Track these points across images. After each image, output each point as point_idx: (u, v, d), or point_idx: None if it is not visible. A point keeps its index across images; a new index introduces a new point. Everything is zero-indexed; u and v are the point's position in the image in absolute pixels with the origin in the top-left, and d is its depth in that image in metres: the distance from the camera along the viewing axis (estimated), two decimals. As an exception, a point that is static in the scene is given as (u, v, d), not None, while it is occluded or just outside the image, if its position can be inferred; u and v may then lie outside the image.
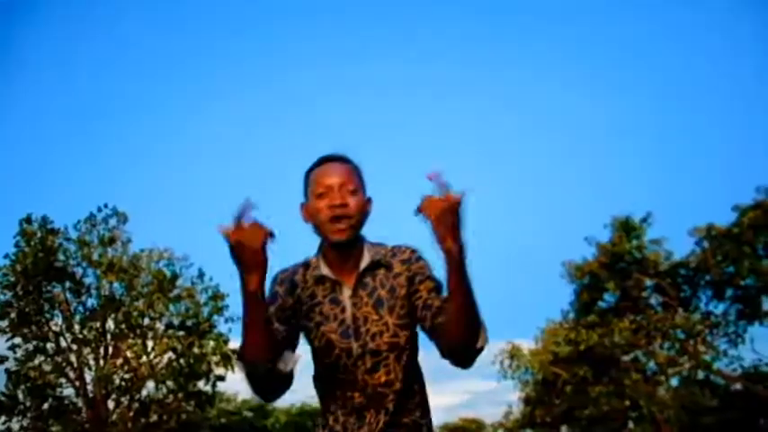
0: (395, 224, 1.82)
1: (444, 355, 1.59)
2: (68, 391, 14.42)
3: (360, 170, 1.73)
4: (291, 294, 1.68)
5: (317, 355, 1.68)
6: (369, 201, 1.72)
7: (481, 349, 1.55)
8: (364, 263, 1.67)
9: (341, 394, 1.66)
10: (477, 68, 48.31)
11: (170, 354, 15.22)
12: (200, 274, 15.90)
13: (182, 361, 15.22)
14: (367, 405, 1.63)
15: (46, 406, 13.95)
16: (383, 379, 1.63)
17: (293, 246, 1.85)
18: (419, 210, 1.47)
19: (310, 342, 1.68)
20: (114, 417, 14.50)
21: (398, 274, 1.68)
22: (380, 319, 1.64)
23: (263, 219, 1.43)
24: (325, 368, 1.67)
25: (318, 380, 1.72)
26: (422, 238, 1.75)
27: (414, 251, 1.72)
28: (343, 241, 1.63)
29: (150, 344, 15.22)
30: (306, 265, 1.73)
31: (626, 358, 19.83)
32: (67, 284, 14.62)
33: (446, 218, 1.43)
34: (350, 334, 1.64)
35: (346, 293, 1.67)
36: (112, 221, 15.42)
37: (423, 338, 1.71)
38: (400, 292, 1.66)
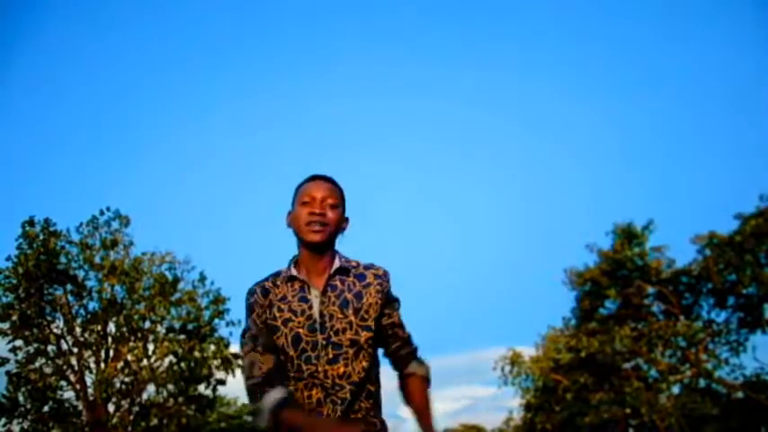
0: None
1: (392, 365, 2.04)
2: (69, 394, 14.42)
3: (343, 192, 1.99)
4: (264, 301, 1.91)
5: (281, 351, 1.87)
6: (346, 219, 1.98)
7: None
8: (334, 267, 1.91)
9: (301, 391, 1.84)
10: (479, 72, 48.39)
11: (171, 357, 15.21)
12: (202, 278, 15.91)
13: (182, 365, 15.22)
14: (324, 399, 1.82)
15: (46, 408, 13.95)
16: (341, 370, 1.83)
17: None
18: None
19: (277, 338, 1.88)
20: (114, 420, 14.50)
21: (369, 284, 1.92)
22: (345, 317, 1.86)
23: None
24: (288, 362, 1.85)
25: None
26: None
27: (386, 272, 1.98)
28: (316, 242, 1.87)
29: (151, 347, 15.23)
30: (278, 273, 1.96)
31: (627, 366, 19.79)
32: (69, 287, 14.63)
33: None
34: (316, 328, 1.85)
35: (314, 293, 1.88)
36: (115, 224, 15.45)
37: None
38: (368, 300, 1.90)
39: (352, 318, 1.86)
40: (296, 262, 1.94)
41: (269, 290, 1.91)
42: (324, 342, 1.83)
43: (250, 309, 1.92)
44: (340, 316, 1.85)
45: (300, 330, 1.84)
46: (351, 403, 1.83)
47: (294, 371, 1.84)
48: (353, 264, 1.96)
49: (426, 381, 1.99)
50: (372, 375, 1.89)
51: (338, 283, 1.90)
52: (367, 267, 1.96)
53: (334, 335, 1.84)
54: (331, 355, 1.83)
